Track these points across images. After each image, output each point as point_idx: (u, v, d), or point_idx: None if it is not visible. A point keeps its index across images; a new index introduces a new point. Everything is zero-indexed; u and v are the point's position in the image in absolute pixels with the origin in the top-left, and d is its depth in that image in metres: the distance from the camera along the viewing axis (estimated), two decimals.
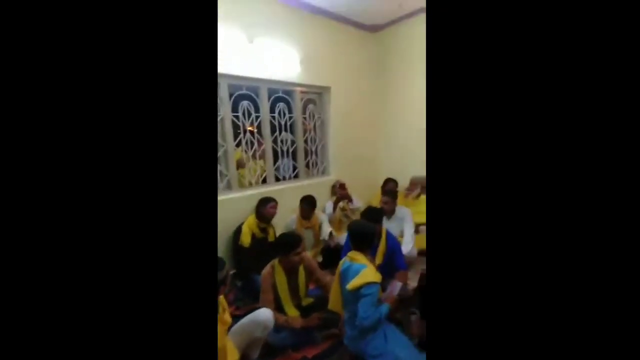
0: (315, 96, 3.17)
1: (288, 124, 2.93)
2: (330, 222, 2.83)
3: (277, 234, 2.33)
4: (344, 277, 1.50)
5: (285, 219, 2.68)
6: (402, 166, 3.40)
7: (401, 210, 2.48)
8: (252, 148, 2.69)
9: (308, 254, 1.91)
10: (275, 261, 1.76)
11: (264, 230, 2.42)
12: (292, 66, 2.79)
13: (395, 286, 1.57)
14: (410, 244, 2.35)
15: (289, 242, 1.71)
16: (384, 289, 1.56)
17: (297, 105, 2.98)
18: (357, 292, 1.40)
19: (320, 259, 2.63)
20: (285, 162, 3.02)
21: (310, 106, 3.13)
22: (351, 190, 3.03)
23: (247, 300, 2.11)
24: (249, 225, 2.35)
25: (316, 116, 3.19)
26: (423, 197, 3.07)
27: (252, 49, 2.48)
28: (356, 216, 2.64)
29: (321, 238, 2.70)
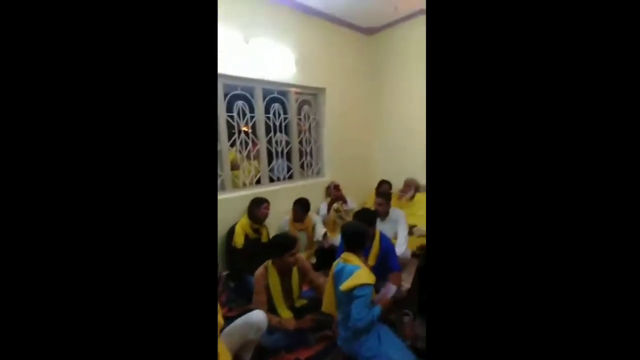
0: (311, 97, 3.17)
1: (283, 124, 2.92)
2: (325, 223, 2.82)
3: (271, 235, 2.33)
4: (338, 279, 1.50)
5: (278, 220, 2.67)
6: (396, 168, 3.42)
7: (395, 212, 2.49)
8: (246, 148, 2.67)
9: (302, 255, 1.90)
10: (269, 262, 1.75)
11: (257, 231, 2.41)
12: (287, 67, 2.78)
13: (389, 289, 1.57)
14: (403, 245, 2.36)
15: (284, 243, 1.70)
16: (377, 291, 1.57)
17: (292, 106, 2.98)
18: (351, 294, 1.40)
19: (314, 260, 2.62)
20: (280, 163, 3.01)
21: (305, 107, 3.13)
22: (346, 191, 3.03)
23: (240, 301, 2.10)
24: (242, 226, 2.34)
25: (311, 117, 3.19)
26: (417, 199, 3.09)
27: (248, 50, 2.48)
28: (350, 217, 2.64)
29: (315, 239, 2.69)
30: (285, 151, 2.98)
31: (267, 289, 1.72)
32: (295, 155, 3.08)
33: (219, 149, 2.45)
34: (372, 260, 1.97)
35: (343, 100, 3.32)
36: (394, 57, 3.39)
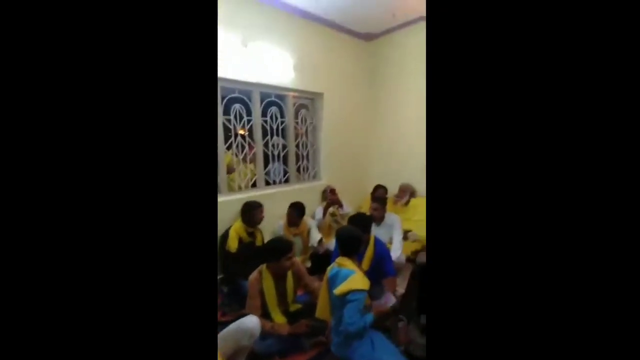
0: (308, 101, 3.18)
1: (280, 128, 2.93)
2: (320, 227, 2.82)
3: (265, 239, 2.31)
4: (332, 283, 1.49)
5: (273, 223, 2.66)
6: (392, 173, 3.44)
7: (390, 217, 2.50)
8: (242, 152, 2.67)
9: (297, 259, 1.89)
10: (263, 266, 1.74)
11: (251, 235, 2.40)
12: (285, 71, 2.79)
13: (389, 299, 1.57)
14: (398, 250, 2.36)
15: (281, 247, 1.69)
16: (371, 296, 1.56)
17: (290, 110, 2.98)
18: (344, 298, 1.39)
19: (308, 264, 2.61)
20: (276, 167, 3.00)
21: (303, 111, 3.14)
22: (341, 195, 3.03)
23: (234, 306, 2.07)
24: (236, 229, 2.32)
25: (308, 121, 3.20)
26: (412, 204, 3.11)
27: (246, 53, 2.48)
28: (346, 222, 2.64)
29: (310, 244, 2.68)
30: (281, 154, 2.98)
31: (262, 294, 1.70)
32: (291, 159, 3.08)
33: None
34: (365, 264, 1.97)
35: (340, 105, 3.34)
36: (391, 64, 3.42)
